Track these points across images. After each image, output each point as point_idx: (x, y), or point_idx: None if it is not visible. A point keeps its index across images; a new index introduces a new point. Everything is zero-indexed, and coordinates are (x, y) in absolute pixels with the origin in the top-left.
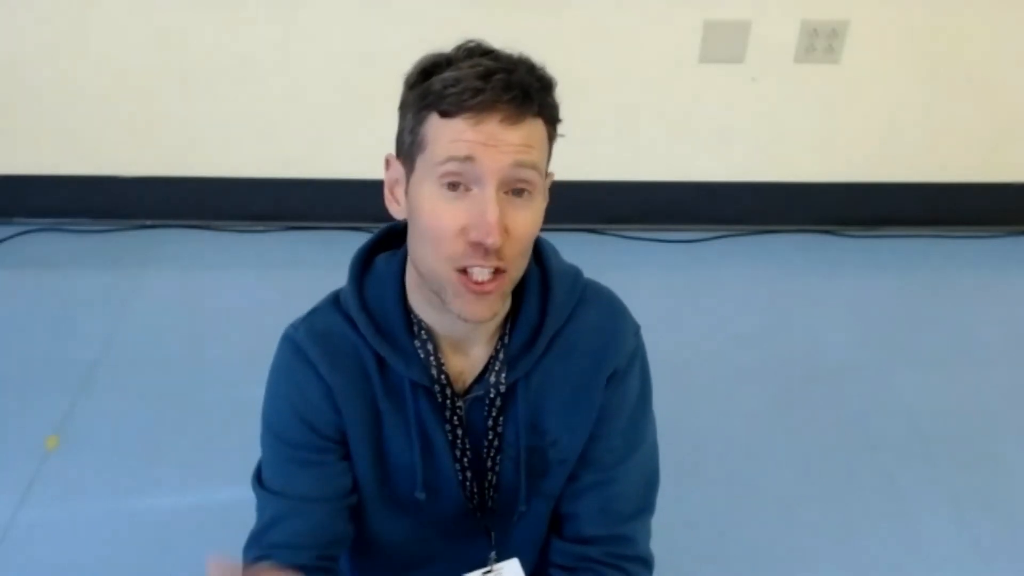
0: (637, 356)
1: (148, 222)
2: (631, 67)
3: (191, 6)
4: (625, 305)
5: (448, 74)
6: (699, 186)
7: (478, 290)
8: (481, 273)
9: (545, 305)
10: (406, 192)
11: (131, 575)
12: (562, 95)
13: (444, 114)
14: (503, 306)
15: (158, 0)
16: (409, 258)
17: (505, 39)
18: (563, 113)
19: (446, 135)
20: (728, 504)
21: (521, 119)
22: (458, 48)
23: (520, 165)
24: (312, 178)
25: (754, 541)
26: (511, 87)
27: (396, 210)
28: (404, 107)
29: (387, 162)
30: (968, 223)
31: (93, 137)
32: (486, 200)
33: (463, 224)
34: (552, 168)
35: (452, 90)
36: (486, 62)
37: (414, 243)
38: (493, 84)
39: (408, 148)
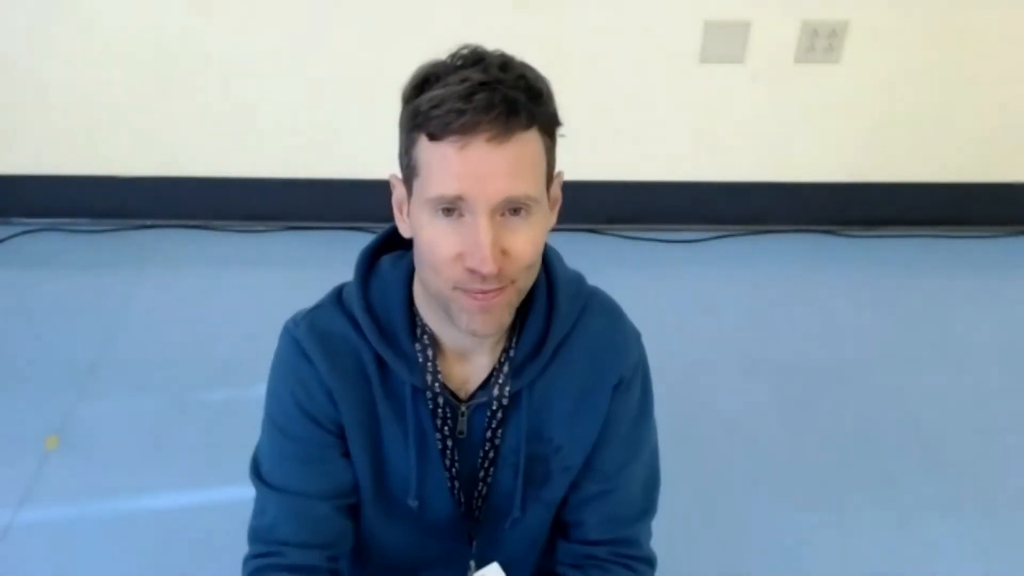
0: (640, 364)
1: (148, 222)
2: (631, 67)
3: (191, 7)
4: (624, 312)
5: (435, 92)
6: (699, 186)
7: (483, 300)
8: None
9: (551, 313)
10: (409, 213)
11: (131, 575)
12: (562, 95)
13: (432, 137)
14: (509, 317)
15: (158, 0)
16: (416, 271)
17: (504, 40)
18: (563, 113)
19: (435, 163)
20: (727, 503)
21: (508, 136)
22: (452, 56)
23: (511, 200)
24: (312, 178)
25: (753, 540)
26: (493, 105)
27: (404, 229)
28: (400, 125)
29: (392, 183)
30: (968, 223)
31: (93, 137)
32: (478, 228)
33: (459, 251)
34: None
35: (437, 111)
36: (474, 75)
37: (418, 263)
38: (476, 104)
39: (405, 171)
